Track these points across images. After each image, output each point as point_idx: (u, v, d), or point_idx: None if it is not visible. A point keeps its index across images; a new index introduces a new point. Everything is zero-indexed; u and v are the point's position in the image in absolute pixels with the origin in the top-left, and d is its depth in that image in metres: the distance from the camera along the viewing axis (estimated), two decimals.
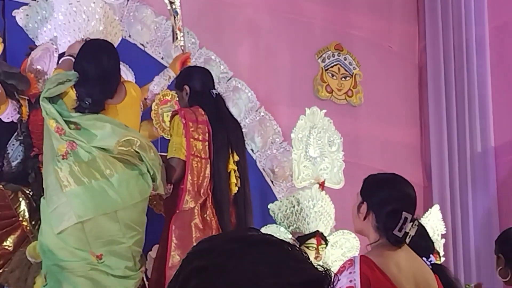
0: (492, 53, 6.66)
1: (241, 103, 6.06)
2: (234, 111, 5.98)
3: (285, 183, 5.94)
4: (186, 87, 4.24)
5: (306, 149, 5.26)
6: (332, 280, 1.02)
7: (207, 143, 4.03)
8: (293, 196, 5.12)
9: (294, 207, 5.06)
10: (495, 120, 6.55)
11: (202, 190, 3.99)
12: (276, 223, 5.10)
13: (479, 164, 6.52)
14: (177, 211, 3.92)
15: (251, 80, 6.12)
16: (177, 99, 4.46)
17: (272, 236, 1.07)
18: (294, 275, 0.99)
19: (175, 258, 3.83)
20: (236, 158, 4.11)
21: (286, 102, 6.25)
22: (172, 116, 4.13)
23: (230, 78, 6.07)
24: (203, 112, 4.10)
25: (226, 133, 4.11)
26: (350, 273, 2.74)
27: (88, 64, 3.95)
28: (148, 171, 3.80)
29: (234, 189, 4.09)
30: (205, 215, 3.95)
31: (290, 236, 5.02)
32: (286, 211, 5.08)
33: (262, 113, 6.09)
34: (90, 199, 3.67)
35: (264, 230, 5.05)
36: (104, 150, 3.75)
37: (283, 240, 1.07)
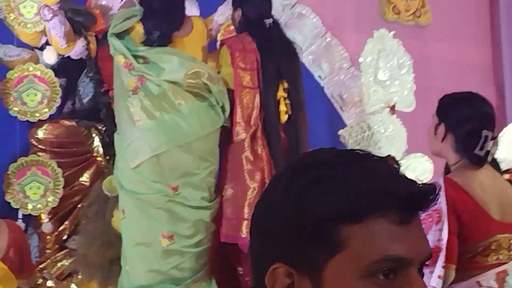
0: None
1: (306, 29, 5.96)
2: (299, 38, 5.92)
3: (354, 109, 5.87)
4: (239, 10, 4.16)
5: (375, 73, 5.17)
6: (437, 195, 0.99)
7: (255, 72, 3.97)
8: (364, 121, 5.07)
9: (365, 132, 5.01)
10: None
11: (252, 121, 3.96)
12: None
13: None
14: (230, 144, 3.90)
15: (316, 6, 6.00)
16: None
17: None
18: (416, 185, 0.98)
19: (227, 191, 3.84)
20: (286, 85, 4.03)
21: (352, 26, 6.12)
22: (220, 46, 4.08)
23: (294, 5, 5.96)
24: (251, 40, 4.01)
25: (275, 61, 4.03)
26: None
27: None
28: (217, 102, 3.79)
29: (284, 117, 4.03)
30: (255, 147, 3.92)
31: None
32: (357, 137, 5.03)
33: (328, 39, 5.98)
34: (163, 132, 3.70)
35: None
36: (173, 83, 3.75)
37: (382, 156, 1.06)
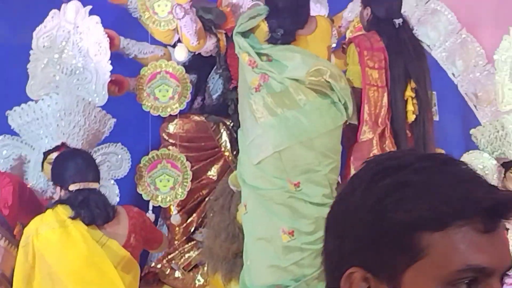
0: None
1: (440, 26, 5.84)
2: (433, 34, 5.81)
3: (489, 107, 5.69)
4: (369, 8, 4.13)
5: (511, 71, 4.98)
6: None
7: (383, 70, 3.92)
8: (497, 121, 4.90)
9: (498, 131, 4.84)
10: None
11: (379, 120, 3.91)
12: (478, 149, 4.92)
13: None
14: (356, 142, 3.88)
15: (451, 2, 5.86)
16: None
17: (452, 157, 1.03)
18: (500, 192, 0.95)
19: None
20: (413, 85, 3.96)
21: (489, 22, 5.93)
22: (348, 44, 4.06)
23: (428, 1, 5.85)
24: (379, 38, 3.97)
25: (403, 61, 3.96)
26: None
27: None
28: (340, 100, 3.78)
29: (411, 117, 3.96)
30: (384, 145, 3.88)
31: (495, 162, 4.83)
32: (489, 136, 4.87)
33: (463, 35, 5.84)
34: (285, 128, 3.73)
35: (466, 156, 4.90)
36: (295, 81, 3.77)
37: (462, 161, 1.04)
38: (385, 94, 3.93)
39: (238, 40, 3.90)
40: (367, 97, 3.90)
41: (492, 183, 0.99)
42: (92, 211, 3.45)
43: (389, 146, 3.90)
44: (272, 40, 3.89)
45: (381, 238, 0.96)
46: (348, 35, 4.86)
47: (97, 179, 3.61)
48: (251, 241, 3.85)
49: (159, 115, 4.51)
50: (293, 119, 3.72)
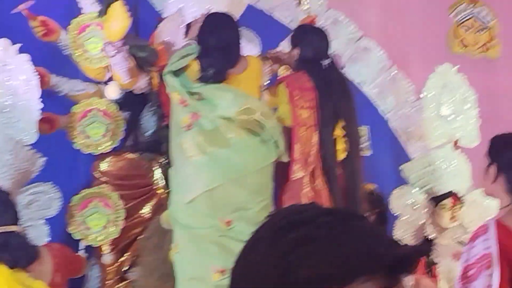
0: None
1: (371, 63, 5.96)
2: (364, 71, 5.93)
3: (419, 142, 5.81)
4: (298, 49, 4.19)
5: (438, 107, 5.11)
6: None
7: (313, 110, 3.98)
8: (426, 156, 5.01)
9: (427, 167, 4.95)
10: None
11: (310, 159, 3.96)
12: (409, 184, 5.01)
13: None
14: (288, 181, 3.92)
15: (381, 40, 6.00)
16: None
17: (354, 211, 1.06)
18: (402, 248, 0.97)
19: None
20: (343, 124, 4.03)
21: (419, 59, 6.08)
22: (277, 84, 4.11)
23: (359, 39, 5.98)
24: (308, 78, 4.04)
25: (331, 101, 4.04)
26: (485, 240, 2.65)
27: (210, 36, 4.01)
28: (270, 138, 3.82)
29: (341, 155, 4.03)
30: (315, 184, 3.93)
31: (424, 197, 4.92)
32: (419, 172, 4.97)
33: (393, 73, 5.97)
34: (216, 166, 3.75)
35: (396, 191, 4.99)
36: (226, 119, 3.81)
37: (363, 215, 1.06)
38: (315, 133, 3.98)
39: (169, 79, 3.92)
40: (298, 136, 3.95)
41: (393, 239, 1.01)
42: (13, 254, 3.40)
43: (320, 184, 3.95)
44: (203, 79, 3.91)
45: None
46: (281, 73, 4.92)
47: (15, 221, 3.54)
48: (183, 281, 3.83)
49: (91, 153, 4.47)
50: (224, 157, 3.75)
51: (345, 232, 0.97)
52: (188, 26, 4.51)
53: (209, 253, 3.74)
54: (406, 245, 1.01)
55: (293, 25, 5.77)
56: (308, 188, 3.91)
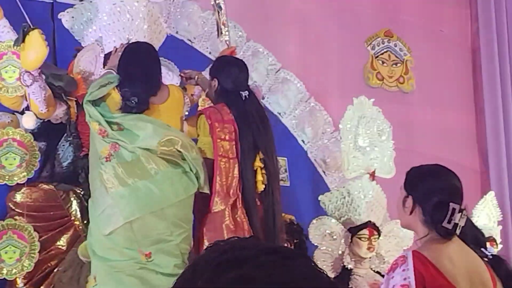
0: None
1: (290, 94, 6.04)
2: (283, 102, 6.00)
3: (337, 173, 5.90)
4: (216, 80, 4.20)
5: (355, 139, 5.20)
6: None
7: (234, 142, 4.00)
8: (344, 187, 5.08)
9: (344, 198, 5.01)
10: None
11: (231, 191, 3.96)
12: (327, 215, 5.07)
13: None
14: (208, 213, 3.92)
15: (300, 71, 6.09)
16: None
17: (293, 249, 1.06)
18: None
19: None
20: (262, 155, 4.06)
21: (336, 91, 6.20)
22: (198, 116, 4.11)
23: (278, 70, 6.05)
24: (228, 111, 4.05)
25: (251, 132, 4.06)
26: (404, 270, 2.68)
27: (131, 66, 3.99)
28: (191, 169, 3.81)
29: (261, 187, 4.05)
30: (236, 216, 3.93)
31: (342, 227, 4.98)
32: (336, 202, 5.03)
33: (312, 104, 6.06)
34: (136, 198, 3.70)
35: (315, 222, 5.03)
36: (147, 150, 3.78)
37: (302, 253, 1.06)
38: (236, 165, 3.98)
39: (88, 108, 3.87)
40: (219, 168, 3.94)
41: (332, 280, 1.02)
42: None
43: (241, 216, 3.95)
44: (126, 109, 3.87)
45: None
46: (201, 103, 4.92)
47: None
48: None
49: (5, 184, 4.36)
50: (144, 189, 3.71)
51: (285, 273, 0.96)
52: (107, 55, 4.47)
53: (128, 286, 3.68)
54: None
55: (213, 56, 5.81)
56: (229, 220, 3.90)
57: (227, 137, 3.99)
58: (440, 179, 2.88)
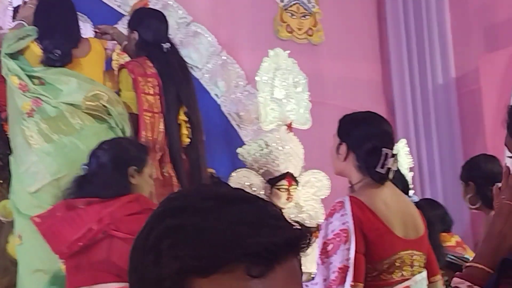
0: None
1: (202, 48, 5.99)
2: (195, 56, 5.94)
3: (251, 126, 5.93)
4: (136, 33, 4.11)
5: (272, 91, 5.23)
6: (310, 238, 0.99)
7: (158, 96, 3.94)
8: (262, 139, 5.10)
9: (262, 150, 5.04)
10: (455, 50, 6.56)
11: (158, 146, 3.93)
12: (246, 167, 5.09)
13: (441, 96, 6.56)
14: None
15: (211, 24, 6.04)
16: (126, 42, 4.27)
17: (246, 191, 1.02)
18: (275, 234, 0.94)
19: None
20: (185, 109, 4.03)
21: (248, 44, 6.19)
22: (119, 70, 4.02)
23: (189, 23, 5.98)
24: (151, 64, 3.98)
25: (175, 85, 4.02)
26: (342, 215, 2.73)
27: (48, 17, 3.86)
28: (117, 125, 3.74)
29: (186, 140, 4.03)
30: (163, 171, 3.90)
31: (261, 179, 5.02)
32: (255, 154, 5.06)
33: (224, 57, 6.03)
34: (62, 155, 3.62)
35: (234, 174, 5.05)
36: (71, 105, 3.68)
37: (257, 196, 1.02)
38: (161, 120, 3.93)
39: (6, 62, 3.72)
40: (144, 123, 3.88)
41: (288, 220, 0.99)
42: None
43: (169, 171, 3.92)
44: (48, 62, 3.75)
45: (160, 282, 0.95)
46: (115, 57, 4.82)
47: None
48: (27, 273, 3.67)
49: None
50: (70, 145, 3.62)
51: (219, 219, 0.95)
52: (16, 8, 4.30)
53: None
54: (293, 228, 0.98)
55: (123, 10, 5.68)
56: (156, 174, 3.87)
57: (151, 91, 3.93)
58: (372, 125, 2.94)
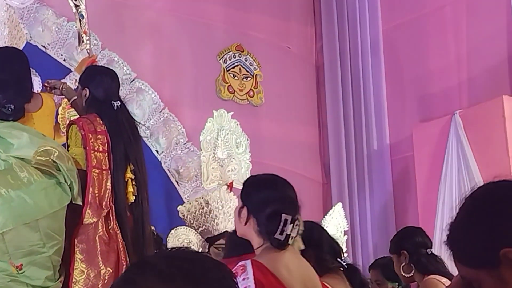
0: (386, 53, 6.90)
1: (145, 104, 6.07)
2: (138, 112, 6.01)
3: (190, 183, 6.00)
4: (87, 89, 4.15)
5: (214, 151, 5.33)
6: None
7: (106, 153, 3.98)
8: (202, 198, 5.17)
9: (203, 208, 5.11)
10: (390, 118, 6.80)
11: (104, 202, 3.93)
12: (185, 225, 5.14)
13: (375, 161, 6.75)
14: (81, 224, 3.85)
15: (154, 82, 6.14)
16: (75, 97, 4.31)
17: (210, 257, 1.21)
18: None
19: (79, 272, 3.78)
20: (132, 167, 4.07)
21: (190, 103, 6.30)
22: (69, 126, 4.04)
23: (133, 80, 6.07)
24: (101, 122, 4.02)
25: (123, 143, 4.06)
26: (244, 279, 2.65)
27: (2, 71, 3.87)
28: (66, 181, 3.75)
29: (131, 198, 4.05)
30: (109, 228, 3.91)
31: (200, 237, 5.07)
32: (195, 213, 5.12)
33: (166, 114, 6.12)
34: (9, 209, 3.59)
35: (173, 232, 5.09)
36: (21, 159, 3.68)
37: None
38: (109, 177, 3.96)
39: None
40: (92, 179, 3.90)
41: None
42: None
43: (114, 228, 3.92)
44: (1, 116, 3.75)
45: None
46: (61, 111, 4.86)
47: None
48: None
49: None
50: (18, 199, 3.60)
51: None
52: None
53: None
54: None
55: (68, 64, 5.74)
56: (102, 231, 3.87)
57: (100, 148, 3.95)
58: (273, 189, 2.82)
